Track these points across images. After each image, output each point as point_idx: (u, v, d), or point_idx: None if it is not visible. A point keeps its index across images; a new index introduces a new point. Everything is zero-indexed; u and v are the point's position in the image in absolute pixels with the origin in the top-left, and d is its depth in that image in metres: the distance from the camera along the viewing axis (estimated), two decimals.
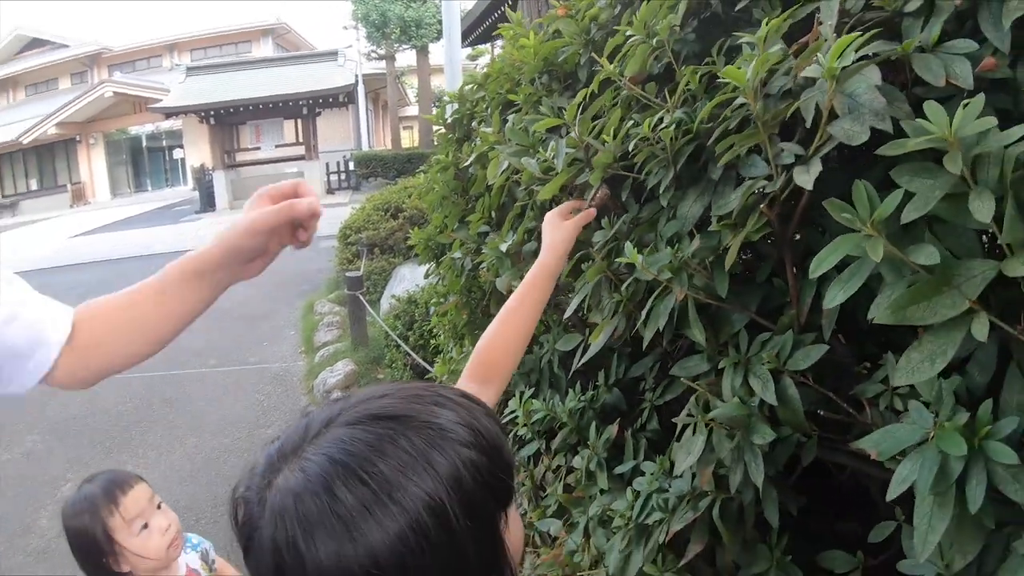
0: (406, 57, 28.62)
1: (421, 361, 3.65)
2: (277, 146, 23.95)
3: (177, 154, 33.27)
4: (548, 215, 1.42)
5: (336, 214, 11.82)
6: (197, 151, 26.78)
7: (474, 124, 2.45)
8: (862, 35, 0.86)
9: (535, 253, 1.77)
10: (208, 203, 22.94)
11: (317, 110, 23.19)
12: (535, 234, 1.83)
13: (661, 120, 1.16)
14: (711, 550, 1.37)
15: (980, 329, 0.75)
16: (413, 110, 34.76)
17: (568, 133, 1.41)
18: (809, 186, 0.86)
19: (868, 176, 0.82)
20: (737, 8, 1.23)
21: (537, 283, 1.32)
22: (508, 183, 1.94)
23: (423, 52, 25.87)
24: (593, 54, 1.62)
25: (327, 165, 25.32)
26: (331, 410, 0.73)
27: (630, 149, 1.21)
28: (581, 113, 1.38)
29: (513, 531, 0.77)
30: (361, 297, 5.71)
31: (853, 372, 1.17)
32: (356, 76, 25.15)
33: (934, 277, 0.77)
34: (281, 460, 0.70)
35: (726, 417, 1.08)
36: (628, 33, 1.38)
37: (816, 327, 1.08)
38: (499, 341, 1.25)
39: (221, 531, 2.20)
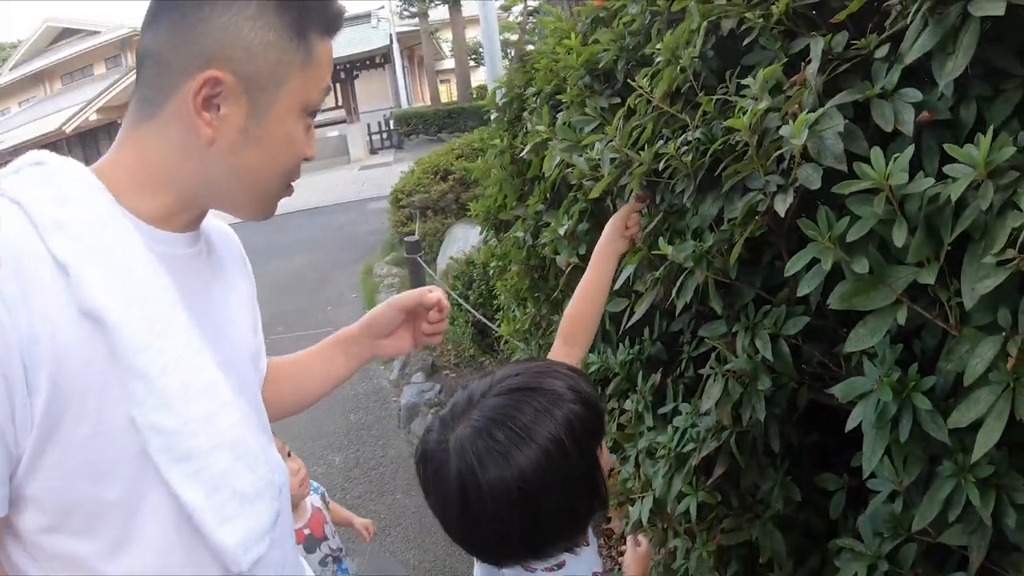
0: (438, 12, 28.53)
1: (482, 319, 4.01)
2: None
3: None
4: (611, 224, 1.71)
5: (381, 175, 11.81)
6: None
7: (524, 114, 2.78)
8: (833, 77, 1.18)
9: (587, 233, 2.12)
10: None
11: (355, 73, 23.36)
12: (587, 215, 2.17)
13: (686, 139, 1.49)
14: (736, 474, 1.73)
15: (902, 315, 1.09)
16: (449, 63, 34.63)
17: (611, 140, 1.74)
18: (783, 213, 1.20)
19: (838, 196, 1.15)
20: (745, 43, 1.54)
21: (601, 273, 1.66)
22: (561, 172, 2.28)
23: (455, 6, 25.74)
24: (628, 68, 1.95)
25: (368, 126, 25.54)
26: (484, 384, 1.14)
27: (660, 166, 1.55)
28: (622, 123, 1.72)
29: (604, 455, 1.19)
30: (421, 260, 6.05)
31: (840, 335, 1.51)
32: (391, 36, 25.16)
33: (871, 277, 1.11)
34: (455, 420, 1.11)
35: (738, 369, 1.43)
36: (656, 55, 1.70)
37: (807, 301, 1.42)
38: (579, 314, 1.63)
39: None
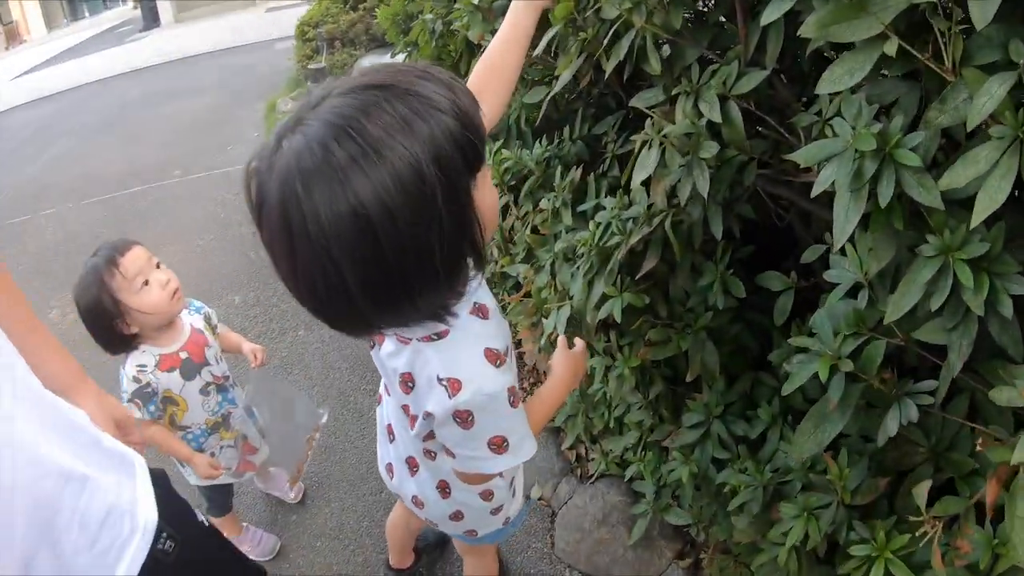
0: None
1: None
2: None
3: None
4: None
5: (290, 16, 11.23)
6: None
7: None
8: None
9: (504, 8, 1.80)
10: (152, 19, 21.51)
11: None
12: None
13: None
14: (664, 281, 1.52)
15: (891, 48, 0.87)
16: None
17: None
18: None
19: None
20: None
21: (519, 21, 1.37)
22: None
23: None
24: None
25: None
26: (329, 85, 0.85)
27: None
28: None
29: (484, 193, 0.92)
30: None
31: (793, 108, 1.27)
32: None
33: (853, 2, 0.88)
34: (286, 130, 0.82)
35: (677, 135, 1.19)
36: None
37: (760, 66, 1.18)
38: (492, 61, 1.34)
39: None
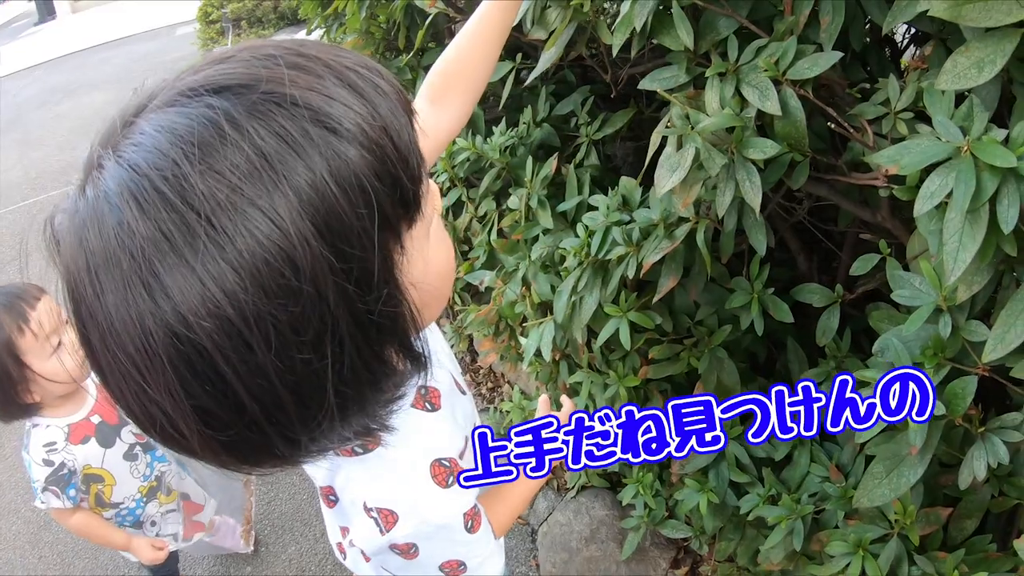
0: None
1: None
2: None
3: None
4: None
5: None
6: None
7: None
8: None
9: None
10: (48, 11, 20.26)
11: None
12: None
13: None
14: (670, 294, 1.28)
15: None
16: None
17: None
18: None
19: None
20: None
21: (494, 18, 1.00)
22: None
23: None
24: None
25: None
26: (159, 84, 0.50)
27: None
28: None
29: (429, 255, 0.59)
30: None
31: (845, 95, 1.04)
32: None
33: None
34: (88, 167, 0.48)
35: (715, 129, 0.92)
36: None
37: (811, 42, 0.95)
38: (460, 57, 0.99)
39: None
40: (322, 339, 0.47)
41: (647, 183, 1.25)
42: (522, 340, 1.50)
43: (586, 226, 1.21)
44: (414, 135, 0.53)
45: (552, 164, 1.38)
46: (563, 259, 1.27)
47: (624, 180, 1.28)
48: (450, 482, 0.77)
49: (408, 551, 0.77)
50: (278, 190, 0.44)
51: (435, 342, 0.88)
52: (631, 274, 1.09)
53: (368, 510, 0.75)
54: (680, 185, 0.95)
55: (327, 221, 0.46)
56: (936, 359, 0.93)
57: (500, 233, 1.55)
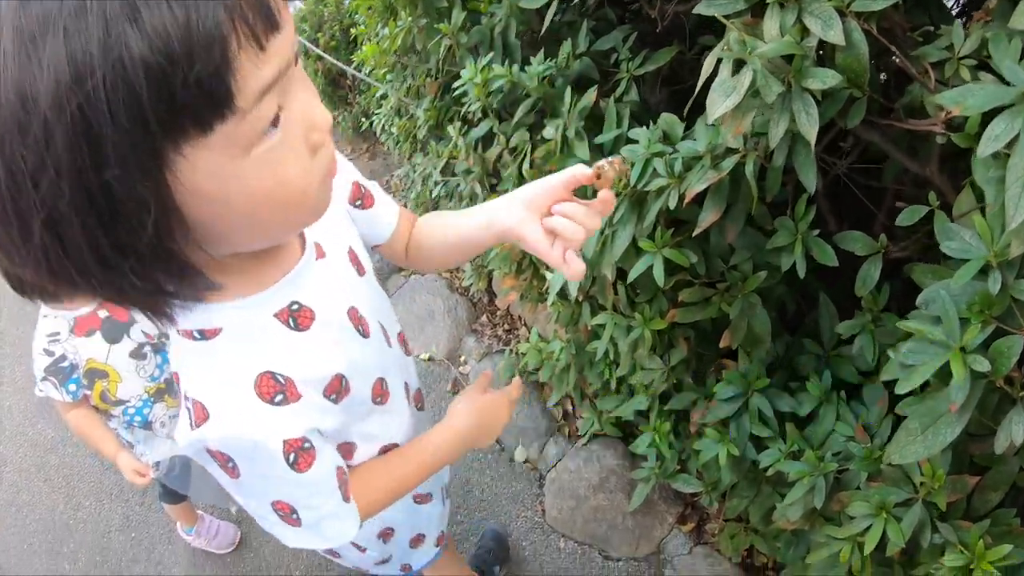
0: None
1: (336, 62, 3.28)
2: None
3: None
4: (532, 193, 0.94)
5: None
6: None
7: None
8: None
9: None
10: None
11: None
12: None
13: None
14: (704, 234, 1.22)
15: None
16: None
17: None
18: None
19: None
20: None
21: (491, 229, 0.93)
22: None
23: None
24: None
25: None
26: None
27: None
28: None
29: (213, 174, 0.54)
30: None
31: (907, 38, 0.99)
32: None
33: None
34: None
35: (774, 55, 0.86)
36: None
37: None
38: (431, 237, 1.06)
39: None
40: (41, 186, 0.48)
41: (687, 124, 1.20)
42: (547, 276, 1.45)
43: (623, 157, 1.16)
44: (226, 42, 0.50)
45: (592, 95, 1.32)
46: (596, 192, 1.22)
47: (665, 115, 1.22)
48: (277, 399, 0.74)
49: (226, 464, 0.74)
50: (42, 58, 0.46)
51: (333, 274, 0.85)
52: (672, 205, 1.04)
53: (186, 399, 0.73)
54: (732, 112, 0.90)
55: (85, 89, 0.46)
56: (983, 316, 0.88)
57: (532, 164, 1.50)
